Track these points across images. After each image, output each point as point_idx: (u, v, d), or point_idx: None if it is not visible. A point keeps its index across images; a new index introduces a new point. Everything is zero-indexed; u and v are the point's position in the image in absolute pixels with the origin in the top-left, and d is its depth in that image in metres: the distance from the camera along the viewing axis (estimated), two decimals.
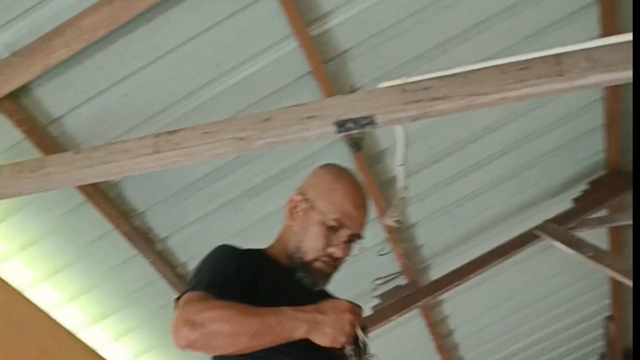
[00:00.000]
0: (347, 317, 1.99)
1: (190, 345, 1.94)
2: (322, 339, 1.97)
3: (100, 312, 3.96)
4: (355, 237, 2.21)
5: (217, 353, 2.00)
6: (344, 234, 2.17)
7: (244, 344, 1.94)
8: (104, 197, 3.52)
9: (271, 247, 2.27)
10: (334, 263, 2.20)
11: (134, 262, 3.82)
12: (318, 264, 2.17)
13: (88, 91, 3.12)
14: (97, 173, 2.69)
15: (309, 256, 2.17)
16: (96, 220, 3.56)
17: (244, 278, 2.08)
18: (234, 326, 1.93)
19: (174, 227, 3.79)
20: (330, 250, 2.17)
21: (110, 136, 3.25)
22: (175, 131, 2.56)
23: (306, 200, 2.21)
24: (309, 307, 2.00)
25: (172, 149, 2.56)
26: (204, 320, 1.92)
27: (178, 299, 2.02)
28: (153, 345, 4.26)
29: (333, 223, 2.17)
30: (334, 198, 2.18)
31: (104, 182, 3.47)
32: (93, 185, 3.41)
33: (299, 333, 1.96)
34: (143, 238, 3.73)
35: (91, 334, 4.01)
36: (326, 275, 2.21)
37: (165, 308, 4.06)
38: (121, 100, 3.21)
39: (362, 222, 2.23)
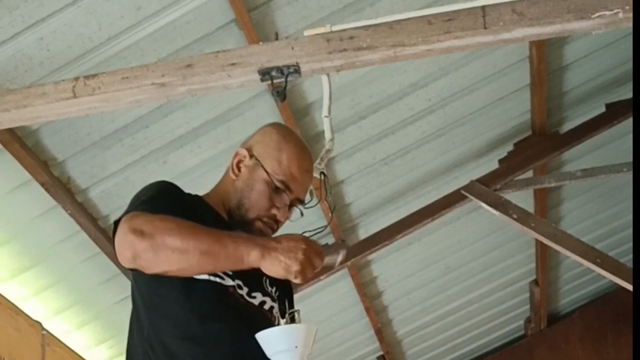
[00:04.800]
0: (301, 246, 1.91)
1: (136, 256, 1.88)
2: (275, 268, 1.90)
3: (18, 266, 3.86)
4: (297, 201, 2.16)
5: (161, 269, 1.91)
6: (287, 197, 2.13)
7: (193, 261, 1.89)
8: (22, 144, 3.41)
9: (208, 196, 2.21)
10: (274, 226, 2.16)
11: (54, 213, 3.72)
12: (259, 224, 2.13)
13: (2, 33, 3.01)
14: (12, 118, 2.64)
15: (251, 214, 2.13)
16: (13, 170, 3.46)
17: (185, 213, 1.99)
18: (184, 239, 1.87)
19: (95, 178, 3.70)
20: (273, 211, 2.13)
21: (27, 81, 3.14)
22: (94, 75, 2.51)
23: (253, 156, 2.16)
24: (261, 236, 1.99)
25: (91, 93, 2.52)
26: (154, 230, 1.87)
27: (117, 221, 1.95)
28: (74, 302, 4.18)
29: (279, 184, 2.12)
30: (282, 159, 2.14)
31: (21, 130, 3.36)
32: (10, 132, 3.30)
33: (252, 257, 1.90)
34: (63, 189, 3.63)
35: (8, 289, 3.91)
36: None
37: (87, 262, 4.00)
38: (38, 44, 3.10)
39: (306, 188, 2.18)
